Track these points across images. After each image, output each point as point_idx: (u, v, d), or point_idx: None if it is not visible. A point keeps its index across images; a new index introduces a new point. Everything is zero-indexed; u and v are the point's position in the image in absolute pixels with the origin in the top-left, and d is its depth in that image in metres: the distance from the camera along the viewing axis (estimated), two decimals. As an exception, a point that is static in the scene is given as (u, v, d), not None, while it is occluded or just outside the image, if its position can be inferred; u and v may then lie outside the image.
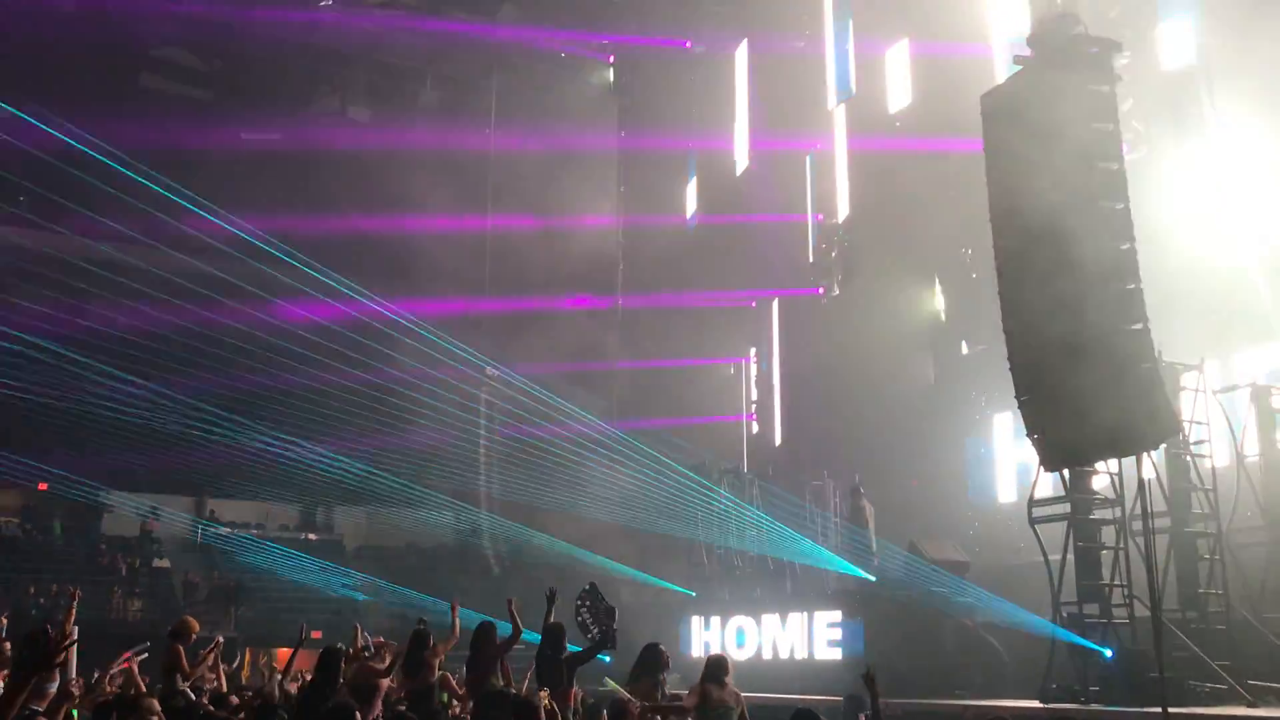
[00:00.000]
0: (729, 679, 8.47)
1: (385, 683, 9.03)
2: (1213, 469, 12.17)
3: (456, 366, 18.68)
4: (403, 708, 8.81)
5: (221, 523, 26.43)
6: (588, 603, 10.02)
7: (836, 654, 14.61)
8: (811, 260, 21.92)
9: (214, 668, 9.68)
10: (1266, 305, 13.45)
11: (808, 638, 15.25)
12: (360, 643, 9.65)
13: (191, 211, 15.87)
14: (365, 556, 25.66)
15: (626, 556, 18.68)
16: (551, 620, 9.18)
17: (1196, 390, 12.06)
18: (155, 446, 19.74)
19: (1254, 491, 12.25)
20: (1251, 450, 12.49)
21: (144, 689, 8.43)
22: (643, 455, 17.42)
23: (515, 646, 9.30)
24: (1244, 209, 13.33)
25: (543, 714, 6.74)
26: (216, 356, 18.77)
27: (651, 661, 9.75)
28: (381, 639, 10.06)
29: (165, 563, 25.21)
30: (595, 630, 9.77)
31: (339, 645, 8.78)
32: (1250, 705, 9.95)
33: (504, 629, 9.27)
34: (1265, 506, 12.25)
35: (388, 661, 8.62)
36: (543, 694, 7.49)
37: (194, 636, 9.72)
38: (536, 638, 9.09)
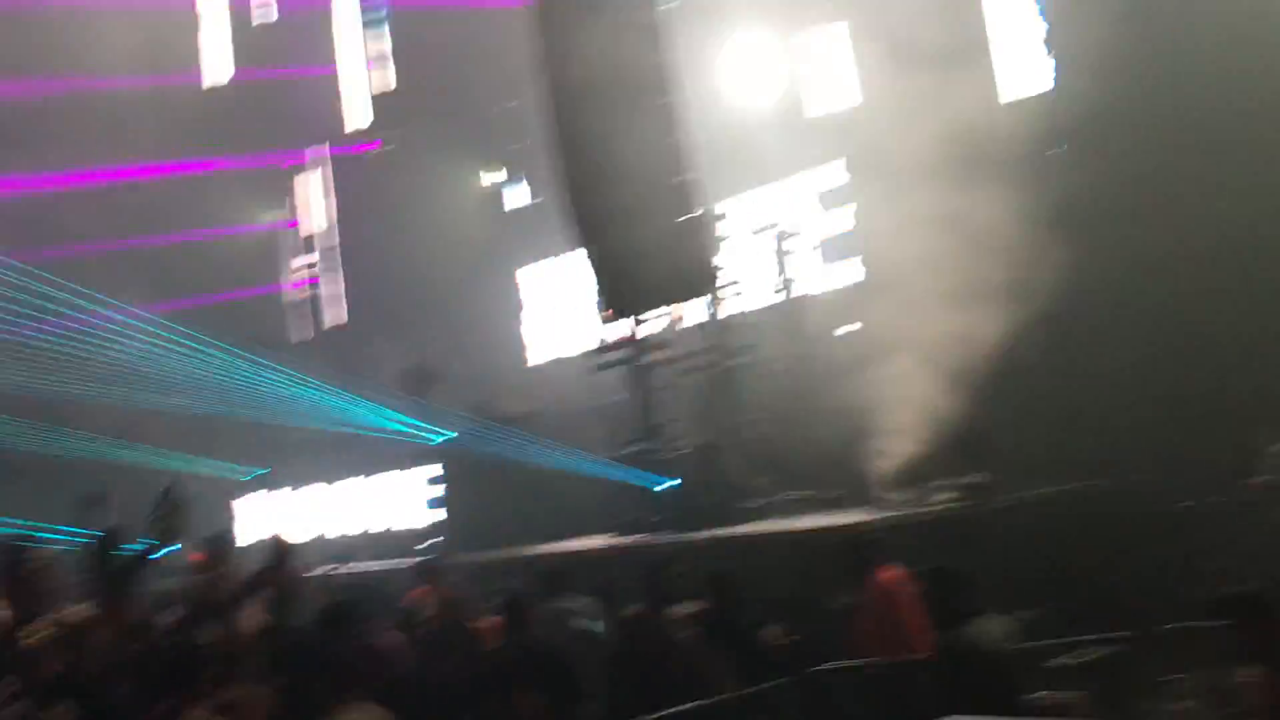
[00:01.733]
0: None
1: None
2: (750, 305, 13.37)
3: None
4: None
5: None
6: (163, 504, 9.20)
7: (417, 517, 14.62)
8: (355, 118, 20.94)
9: None
10: (784, 150, 14.74)
11: (385, 505, 15.14)
12: None
13: None
14: None
15: (174, 442, 17.31)
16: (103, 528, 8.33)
17: (729, 236, 13.10)
18: None
19: (782, 325, 13.70)
20: (779, 287, 13.85)
21: None
22: (185, 337, 16.06)
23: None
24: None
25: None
26: None
27: (222, 549, 9.16)
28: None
29: None
30: (173, 533, 9.03)
31: None
32: (788, 516, 11.17)
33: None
34: (792, 338, 13.70)
35: None
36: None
37: None
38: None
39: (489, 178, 19.07)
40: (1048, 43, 12.00)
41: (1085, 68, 11.14)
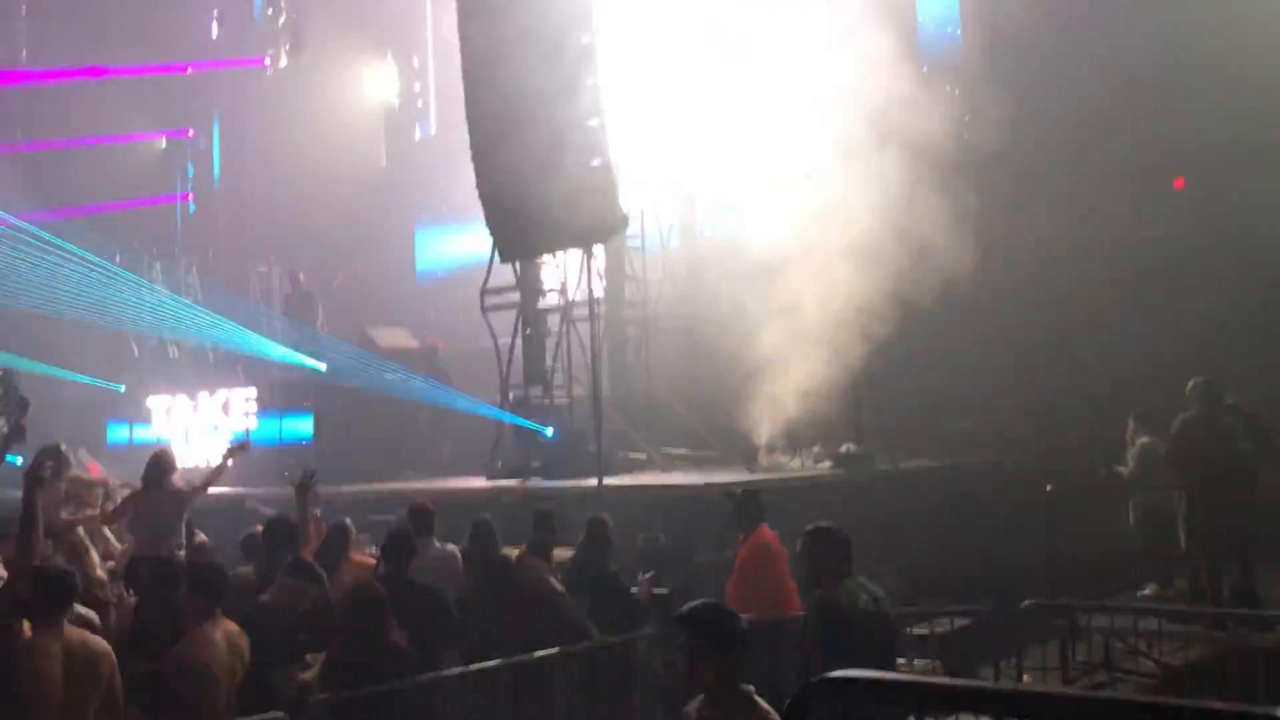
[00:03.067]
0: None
1: None
2: (644, 260, 13.32)
3: None
4: None
5: None
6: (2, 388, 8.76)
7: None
8: (257, 26, 20.05)
9: None
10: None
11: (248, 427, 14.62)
12: None
13: None
14: None
15: (38, 351, 16.47)
16: None
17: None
18: None
19: (675, 281, 13.71)
20: (675, 242, 13.85)
21: None
22: (54, 246, 15.25)
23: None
24: None
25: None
26: None
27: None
28: None
29: None
30: (2, 422, 8.60)
31: None
32: (665, 471, 11.24)
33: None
34: (685, 294, 13.72)
35: None
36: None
37: None
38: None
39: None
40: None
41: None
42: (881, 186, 9.88)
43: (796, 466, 11.04)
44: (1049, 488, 8.12)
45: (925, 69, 11.49)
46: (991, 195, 10.75)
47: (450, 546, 7.31)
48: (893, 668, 4.61)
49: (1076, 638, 7.38)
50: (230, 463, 8.63)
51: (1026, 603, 7.39)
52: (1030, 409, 11.33)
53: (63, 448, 8.66)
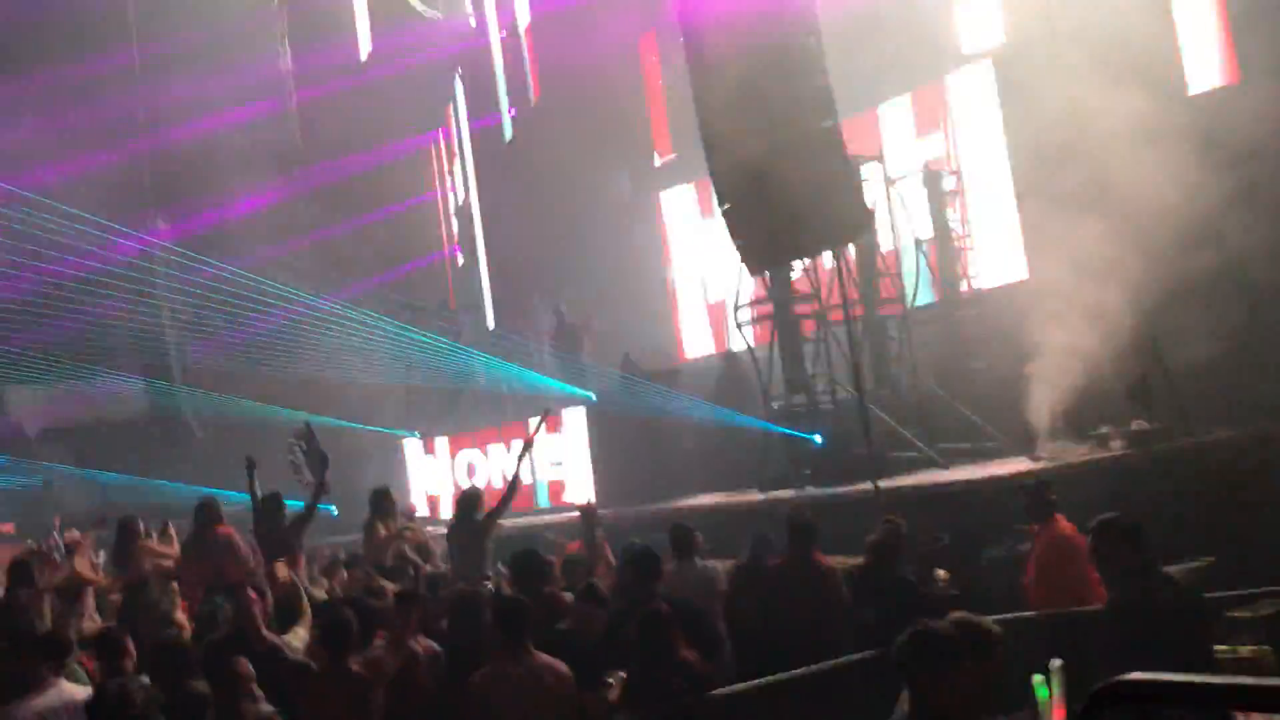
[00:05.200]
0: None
1: (92, 578, 8.40)
2: (896, 253, 13.06)
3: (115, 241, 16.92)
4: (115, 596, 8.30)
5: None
6: (301, 444, 9.60)
7: (562, 473, 14.85)
8: (500, 83, 21.20)
9: None
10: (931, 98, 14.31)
11: (532, 462, 15.37)
12: (53, 541, 8.93)
13: None
14: (51, 440, 23.53)
15: (337, 407, 18.02)
16: (258, 493, 8.81)
17: (874, 180, 12.78)
18: None
19: (929, 271, 13.33)
20: (926, 233, 13.47)
21: None
22: (352, 318, 16.73)
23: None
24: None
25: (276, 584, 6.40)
26: None
27: (385, 505, 9.55)
28: (77, 534, 9.34)
29: None
30: (309, 475, 9.41)
31: (28, 543, 8.13)
32: (943, 468, 10.93)
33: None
34: (941, 284, 13.34)
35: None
36: (279, 567, 7.13)
37: None
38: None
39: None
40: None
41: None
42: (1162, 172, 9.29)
43: (1084, 451, 10.46)
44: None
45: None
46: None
47: (714, 564, 7.41)
48: (1208, 659, 4.30)
49: None
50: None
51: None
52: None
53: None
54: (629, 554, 6.71)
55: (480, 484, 15.10)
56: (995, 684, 3.50)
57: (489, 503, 9.16)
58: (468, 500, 9.08)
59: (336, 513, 13.52)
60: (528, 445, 9.78)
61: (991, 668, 3.48)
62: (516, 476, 9.40)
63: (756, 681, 5.84)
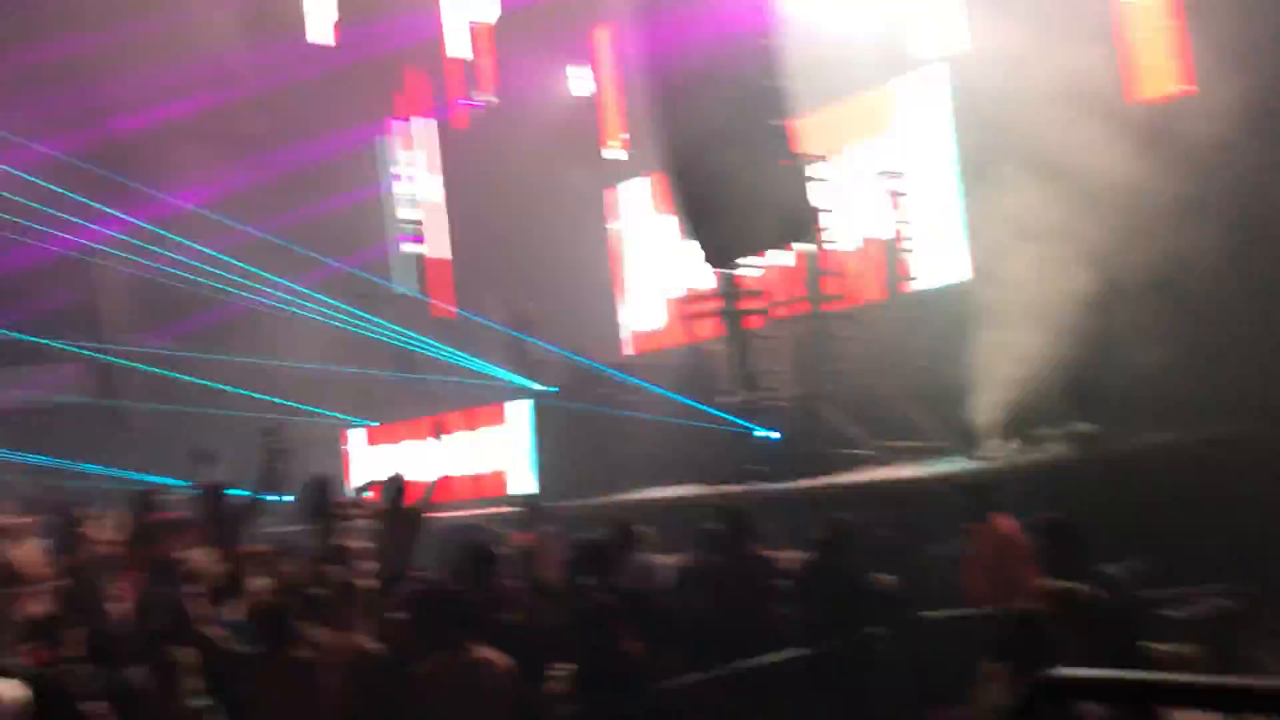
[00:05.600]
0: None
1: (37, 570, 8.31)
2: (843, 252, 13.18)
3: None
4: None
5: None
6: (274, 440, 9.54)
7: (506, 462, 14.83)
8: (464, 71, 21.06)
9: None
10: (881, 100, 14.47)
11: (480, 451, 15.37)
12: None
13: None
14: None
15: (290, 391, 17.84)
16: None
17: (822, 179, 12.88)
18: None
19: (878, 272, 13.48)
20: (872, 232, 13.60)
21: None
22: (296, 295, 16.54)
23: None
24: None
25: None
26: None
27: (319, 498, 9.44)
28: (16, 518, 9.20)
29: None
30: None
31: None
32: (887, 465, 11.07)
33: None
34: (890, 285, 13.49)
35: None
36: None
37: None
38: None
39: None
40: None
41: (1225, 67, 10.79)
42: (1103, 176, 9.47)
43: (1024, 451, 10.64)
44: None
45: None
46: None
47: (659, 558, 7.46)
48: (1137, 657, 4.42)
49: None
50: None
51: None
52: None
53: None
54: (580, 546, 6.76)
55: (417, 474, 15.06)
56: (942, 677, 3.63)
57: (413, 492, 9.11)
58: (395, 489, 8.89)
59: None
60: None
61: None
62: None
63: (698, 675, 5.89)
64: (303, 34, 24.04)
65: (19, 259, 17.04)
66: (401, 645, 5.82)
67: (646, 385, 13.66)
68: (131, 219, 17.82)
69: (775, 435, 11.61)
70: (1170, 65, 11.65)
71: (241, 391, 17.26)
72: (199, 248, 16.43)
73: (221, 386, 17.47)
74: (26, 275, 17.76)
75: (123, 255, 18.79)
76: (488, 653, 5.24)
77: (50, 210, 15.95)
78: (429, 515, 8.91)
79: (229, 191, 20.69)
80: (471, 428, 15.58)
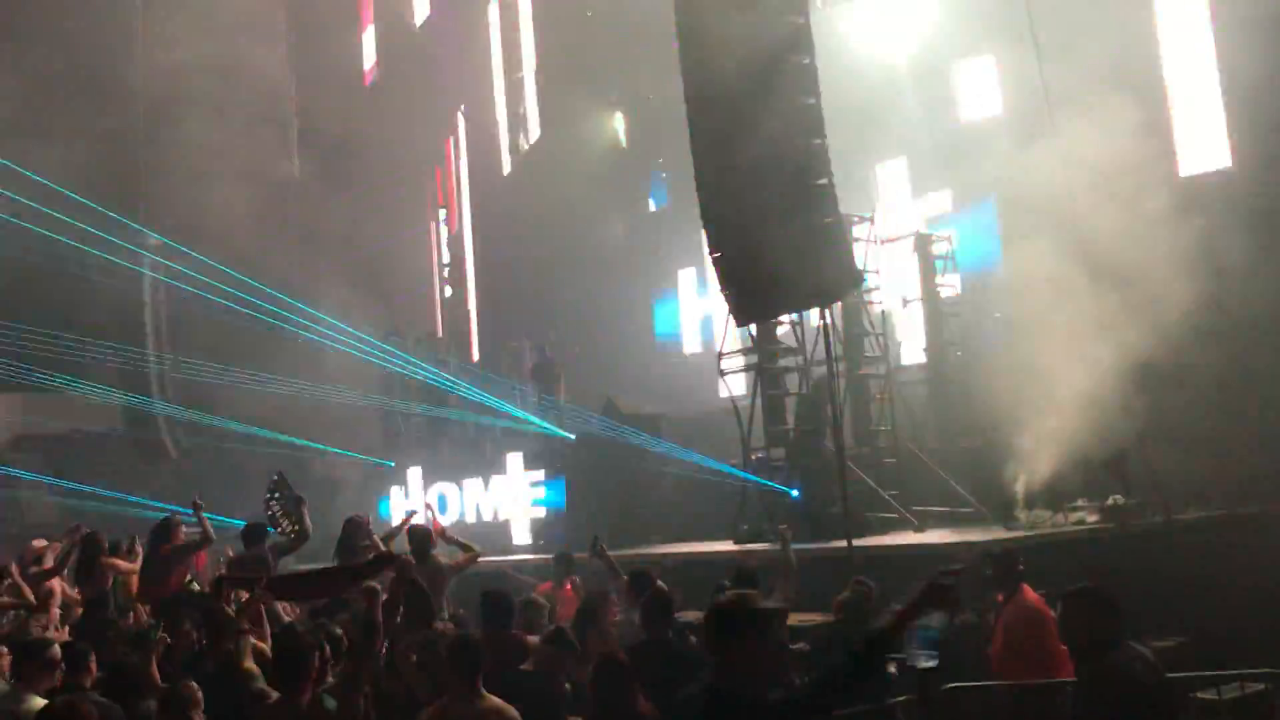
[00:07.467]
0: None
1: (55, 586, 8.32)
2: (882, 314, 13.12)
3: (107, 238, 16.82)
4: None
5: None
6: (277, 494, 9.54)
7: (540, 512, 14.74)
8: (501, 116, 21.36)
9: None
10: (927, 162, 14.49)
11: (511, 499, 15.28)
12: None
13: None
14: (24, 448, 23.23)
15: (315, 431, 17.90)
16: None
17: (867, 240, 12.88)
18: None
19: (916, 334, 13.42)
20: (913, 294, 13.55)
21: None
22: (330, 328, 16.63)
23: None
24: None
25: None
26: None
27: (352, 536, 9.42)
28: (44, 543, 9.24)
29: None
30: (288, 525, 9.37)
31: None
32: (917, 530, 10.90)
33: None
34: (927, 347, 13.41)
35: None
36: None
37: None
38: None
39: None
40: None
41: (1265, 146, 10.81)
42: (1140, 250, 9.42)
43: (1059, 522, 10.45)
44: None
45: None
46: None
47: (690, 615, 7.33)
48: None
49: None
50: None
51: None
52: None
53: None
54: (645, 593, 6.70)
55: (453, 519, 15.01)
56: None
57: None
58: (420, 538, 8.84)
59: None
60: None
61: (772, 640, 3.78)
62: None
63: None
64: (355, 78, 24.61)
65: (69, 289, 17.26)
66: (411, 689, 5.75)
67: (673, 446, 13.60)
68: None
69: (800, 495, 11.49)
70: (1213, 140, 11.69)
71: (273, 434, 17.35)
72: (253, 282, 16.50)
73: (256, 430, 17.56)
74: (74, 304, 17.99)
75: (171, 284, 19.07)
76: (497, 702, 5.15)
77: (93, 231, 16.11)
78: (454, 564, 8.86)
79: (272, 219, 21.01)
80: (500, 473, 15.52)
